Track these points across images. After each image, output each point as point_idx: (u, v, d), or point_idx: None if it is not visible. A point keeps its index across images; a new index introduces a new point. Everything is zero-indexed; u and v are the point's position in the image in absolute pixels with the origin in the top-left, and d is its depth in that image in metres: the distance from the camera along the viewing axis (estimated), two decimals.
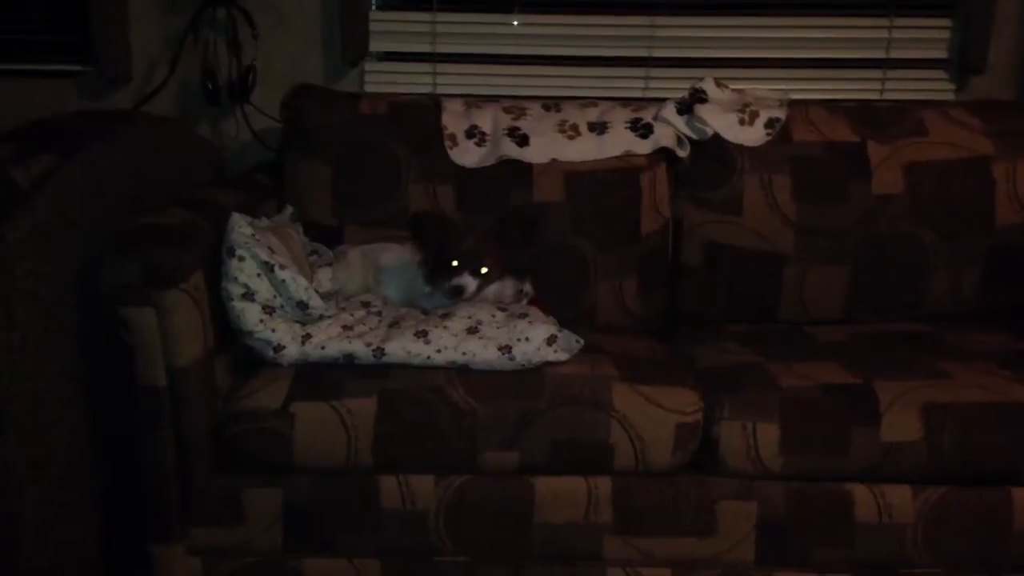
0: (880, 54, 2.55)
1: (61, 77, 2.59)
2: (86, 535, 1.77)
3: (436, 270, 1.91)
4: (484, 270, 1.87)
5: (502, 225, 1.94)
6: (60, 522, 1.68)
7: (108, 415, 1.77)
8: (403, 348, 1.72)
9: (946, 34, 2.54)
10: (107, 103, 2.58)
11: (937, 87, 2.56)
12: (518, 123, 2.23)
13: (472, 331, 1.75)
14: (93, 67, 2.53)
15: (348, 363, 1.73)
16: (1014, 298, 2.18)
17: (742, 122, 2.20)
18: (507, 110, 2.28)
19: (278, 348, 1.74)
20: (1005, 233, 2.15)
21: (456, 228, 1.97)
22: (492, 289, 1.92)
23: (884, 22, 2.54)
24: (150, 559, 1.73)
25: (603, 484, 1.72)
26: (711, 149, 2.20)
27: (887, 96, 2.55)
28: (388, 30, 2.57)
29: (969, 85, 2.55)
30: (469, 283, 1.86)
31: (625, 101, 2.35)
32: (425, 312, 1.88)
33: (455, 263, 1.87)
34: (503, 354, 1.71)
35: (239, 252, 1.73)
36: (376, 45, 2.57)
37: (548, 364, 1.74)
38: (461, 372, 1.72)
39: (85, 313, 1.69)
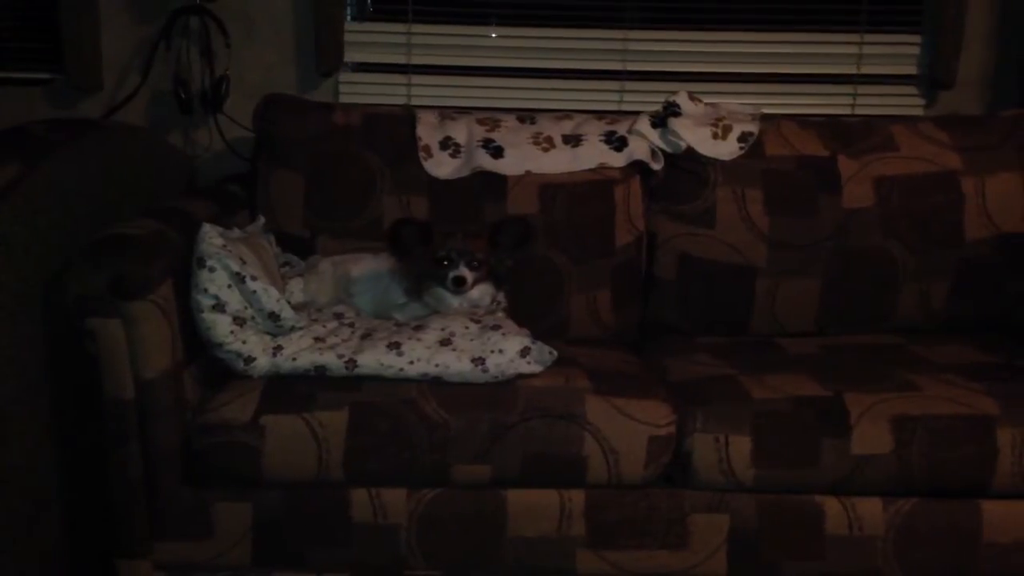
0: (851, 69, 2.58)
1: (31, 85, 2.56)
2: (51, 550, 1.74)
3: (423, 274, 1.92)
4: (476, 263, 1.88)
5: (495, 229, 1.95)
6: (24, 537, 1.65)
7: (74, 428, 1.74)
8: (375, 360, 1.71)
9: (916, 50, 2.57)
10: (77, 111, 2.55)
11: (907, 102, 2.59)
12: (493, 135, 2.23)
13: (445, 343, 1.74)
14: (63, 75, 2.50)
15: (319, 375, 1.72)
16: (982, 311, 2.21)
17: (715, 136, 2.21)
18: (482, 122, 2.28)
19: (248, 360, 1.73)
20: (973, 247, 2.17)
21: (439, 230, 1.95)
22: (477, 290, 1.91)
23: (855, 38, 2.57)
24: (116, 574, 1.70)
25: (576, 497, 1.71)
26: (685, 162, 2.21)
27: (858, 111, 2.58)
28: (363, 41, 2.57)
29: (938, 100, 2.58)
30: (467, 273, 1.87)
31: (600, 114, 2.36)
32: (398, 323, 1.87)
33: (448, 259, 1.88)
34: (476, 366, 1.70)
35: (209, 263, 1.71)
36: (351, 56, 2.56)
37: (521, 376, 1.74)
38: (434, 384, 1.71)
39: (51, 324, 1.67)
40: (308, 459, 1.66)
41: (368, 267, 2.04)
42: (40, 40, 2.55)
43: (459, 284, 1.87)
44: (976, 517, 1.72)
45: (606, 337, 2.17)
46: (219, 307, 1.72)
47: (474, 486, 1.71)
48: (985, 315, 2.21)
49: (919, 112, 2.57)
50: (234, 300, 1.73)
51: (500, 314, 1.93)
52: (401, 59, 2.57)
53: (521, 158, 2.20)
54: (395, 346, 1.73)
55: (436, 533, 1.71)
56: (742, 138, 2.21)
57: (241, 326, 1.74)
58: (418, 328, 1.79)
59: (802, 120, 2.30)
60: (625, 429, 1.68)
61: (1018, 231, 2.18)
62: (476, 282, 1.90)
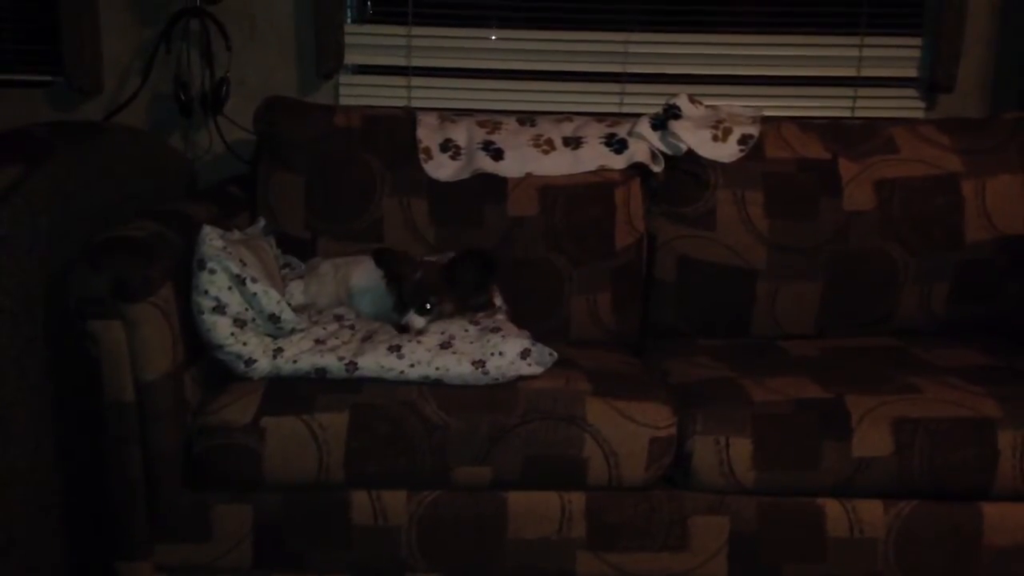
0: (851, 72, 2.58)
1: (31, 87, 2.56)
2: (51, 552, 1.74)
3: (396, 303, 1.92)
4: (428, 306, 1.85)
5: (452, 267, 1.91)
6: (25, 539, 1.64)
7: (75, 430, 1.74)
8: (376, 362, 1.71)
9: (916, 53, 2.57)
10: (78, 114, 2.56)
11: (907, 105, 2.60)
12: (493, 137, 2.23)
13: (445, 346, 1.74)
14: (64, 78, 2.50)
15: (320, 377, 1.72)
16: (983, 313, 2.21)
17: (715, 138, 2.21)
18: (482, 124, 2.28)
19: (249, 362, 1.73)
20: (973, 249, 2.17)
21: (413, 265, 1.93)
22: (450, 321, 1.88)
23: (855, 40, 2.57)
24: None
25: (576, 499, 1.71)
26: (685, 164, 2.21)
27: (858, 114, 2.58)
28: (363, 43, 2.57)
29: (938, 103, 2.59)
30: (415, 321, 1.83)
31: (600, 116, 2.35)
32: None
33: (402, 302, 1.87)
34: (477, 369, 1.70)
35: (210, 265, 1.71)
36: (351, 58, 2.56)
37: (521, 378, 1.74)
38: (434, 387, 1.71)
39: (52, 326, 1.66)
40: (308, 461, 1.66)
41: (369, 270, 2.03)
42: (41, 42, 2.56)
43: (403, 331, 1.82)
44: (977, 520, 1.72)
45: (606, 339, 2.17)
46: (219, 309, 1.72)
47: (474, 488, 1.70)
48: (985, 317, 2.21)
49: (919, 115, 2.58)
50: (234, 302, 1.73)
51: (500, 316, 1.93)
52: (401, 61, 2.57)
53: (521, 160, 2.20)
54: (395, 349, 1.73)
55: (436, 535, 1.71)
56: (742, 140, 2.21)
57: (241, 328, 1.74)
58: (418, 331, 1.80)
59: (802, 122, 2.30)
60: (625, 431, 1.68)
61: (1018, 233, 2.18)
62: (434, 320, 1.85)
